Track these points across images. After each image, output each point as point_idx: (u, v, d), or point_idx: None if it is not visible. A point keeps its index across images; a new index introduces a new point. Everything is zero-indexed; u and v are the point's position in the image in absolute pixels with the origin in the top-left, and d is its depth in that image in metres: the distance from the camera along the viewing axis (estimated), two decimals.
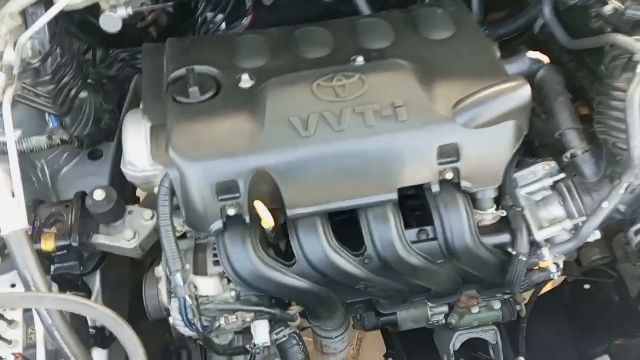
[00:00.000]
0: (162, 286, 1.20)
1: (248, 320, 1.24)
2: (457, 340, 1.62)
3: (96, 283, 1.40)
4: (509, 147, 1.18)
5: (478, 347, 1.68)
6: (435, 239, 1.20)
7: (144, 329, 1.61)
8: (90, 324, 1.33)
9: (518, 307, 1.57)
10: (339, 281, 1.19)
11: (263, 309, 1.22)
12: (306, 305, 1.30)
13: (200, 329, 1.15)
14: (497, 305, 1.53)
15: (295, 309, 1.30)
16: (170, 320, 1.24)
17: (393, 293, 1.27)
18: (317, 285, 1.19)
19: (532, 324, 1.84)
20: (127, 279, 1.60)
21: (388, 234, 1.16)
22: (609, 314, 1.83)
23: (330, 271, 1.17)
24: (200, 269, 1.21)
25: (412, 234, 1.21)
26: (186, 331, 1.20)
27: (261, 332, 1.24)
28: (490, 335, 1.62)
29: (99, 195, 1.20)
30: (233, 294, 1.20)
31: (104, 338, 1.34)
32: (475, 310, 1.52)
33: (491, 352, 1.68)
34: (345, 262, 1.16)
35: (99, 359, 1.34)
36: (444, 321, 1.53)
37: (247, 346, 1.29)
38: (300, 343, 1.44)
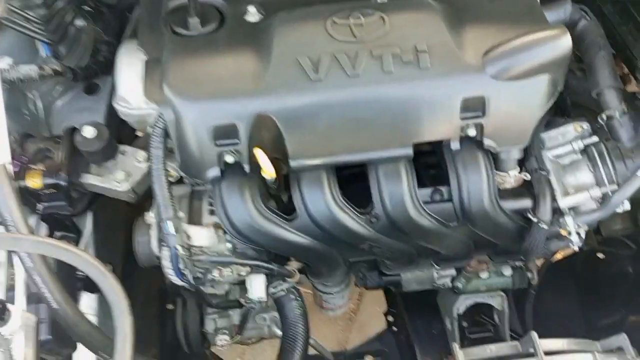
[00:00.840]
0: (153, 233, 1.13)
1: (243, 273, 1.16)
2: (462, 304, 1.56)
3: (87, 225, 1.34)
4: (540, 103, 1.06)
5: (483, 312, 1.61)
6: (449, 200, 1.11)
7: (142, 272, 1.56)
8: None
9: (529, 275, 1.49)
10: (342, 239, 1.10)
11: (259, 263, 1.14)
12: (306, 262, 1.22)
13: (191, 281, 1.08)
14: (507, 271, 1.45)
15: (294, 265, 1.22)
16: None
17: (399, 254, 1.19)
18: (318, 242, 1.11)
19: (540, 292, 1.76)
20: (123, 223, 1.53)
21: (399, 192, 1.07)
22: (622, 286, 1.75)
23: (334, 228, 1.08)
24: (194, 218, 1.13)
25: (424, 193, 1.12)
26: (177, 281, 1.13)
27: (257, 287, 1.17)
28: (497, 301, 1.55)
29: (89, 132, 1.11)
30: (228, 246, 1.12)
31: (94, 282, 1.28)
32: (484, 275, 1.45)
33: (496, 318, 1.61)
34: (350, 219, 1.07)
35: (87, 304, 1.29)
36: (449, 284, 1.46)
37: (242, 300, 1.22)
38: (299, 298, 1.37)
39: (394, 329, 1.83)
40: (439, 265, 1.36)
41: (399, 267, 1.33)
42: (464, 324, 1.63)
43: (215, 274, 1.13)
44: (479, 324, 1.60)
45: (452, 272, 1.43)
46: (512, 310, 1.62)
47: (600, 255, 1.83)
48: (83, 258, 0.90)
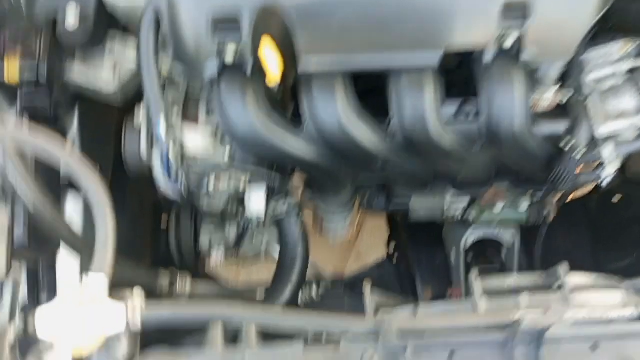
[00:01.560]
0: (143, 136, 1.02)
1: (241, 184, 1.06)
2: (471, 236, 1.48)
3: (73, 126, 1.22)
4: (592, 11, 0.92)
5: (490, 247, 1.54)
6: (476, 118, 0.99)
7: (134, 186, 1.47)
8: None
9: (545, 211, 1.39)
10: (354, 155, 1.00)
11: (260, 169, 1.03)
12: (310, 176, 1.12)
13: (185, 188, 0.99)
14: (523, 205, 1.36)
15: (297, 181, 1.13)
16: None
17: (413, 177, 1.09)
18: (327, 157, 1.00)
19: (550, 231, 1.69)
20: (114, 133, 1.42)
21: (421, 105, 0.95)
22: (636, 231, 1.67)
23: (345, 142, 0.97)
24: (190, 119, 1.02)
25: (449, 111, 1.00)
26: (169, 191, 1.03)
27: (256, 201, 1.08)
28: (508, 235, 1.47)
29: (72, 11, 0.97)
30: (226, 151, 1.01)
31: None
32: (498, 207, 1.35)
33: (503, 255, 1.54)
34: (364, 133, 0.96)
35: (74, 205, 1.20)
36: (460, 215, 1.37)
37: (239, 217, 1.13)
38: (300, 219, 1.29)
39: (395, 258, 1.77)
40: (455, 190, 1.25)
41: (410, 191, 1.23)
42: (468, 259, 1.56)
43: (211, 184, 1.03)
44: (485, 260, 1.53)
45: (465, 201, 1.34)
46: (520, 246, 1.54)
47: (615, 199, 1.74)
48: (63, 151, 0.80)
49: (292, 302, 1.25)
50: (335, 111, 0.95)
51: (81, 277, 0.75)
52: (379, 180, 1.15)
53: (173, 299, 1.16)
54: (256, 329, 0.83)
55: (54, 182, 1.15)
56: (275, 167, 1.07)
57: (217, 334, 0.81)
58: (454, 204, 1.33)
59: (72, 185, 1.23)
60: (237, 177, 1.03)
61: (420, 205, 1.32)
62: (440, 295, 1.66)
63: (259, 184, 1.06)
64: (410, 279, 1.69)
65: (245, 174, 1.04)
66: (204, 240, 1.47)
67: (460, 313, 0.91)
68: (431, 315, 0.93)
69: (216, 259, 1.42)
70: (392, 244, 1.80)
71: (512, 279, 0.93)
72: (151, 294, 1.53)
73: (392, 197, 1.30)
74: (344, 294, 1.71)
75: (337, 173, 1.05)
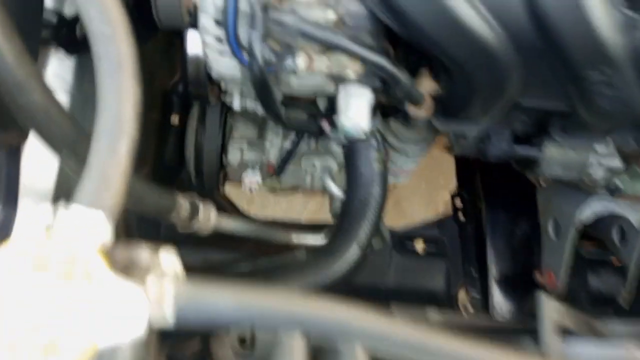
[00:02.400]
0: None
1: (349, 71, 0.64)
2: (590, 209, 1.10)
3: None
4: None
5: (606, 227, 1.16)
6: None
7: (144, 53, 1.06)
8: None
9: None
10: (568, 46, 0.57)
11: (384, 61, 0.61)
12: (466, 82, 0.69)
13: (260, 61, 0.57)
14: None
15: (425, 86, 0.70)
16: (194, 41, 0.65)
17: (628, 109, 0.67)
18: (516, 44, 0.58)
19: None
20: None
21: None
22: None
23: (564, 23, 0.55)
24: None
25: None
26: (225, 65, 0.61)
27: (358, 109, 0.66)
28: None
29: None
30: (331, 15, 0.59)
31: (72, 38, 0.76)
32: None
33: (616, 238, 1.17)
34: (602, 14, 0.54)
35: (59, 68, 0.79)
36: (602, 180, 0.98)
37: (324, 126, 0.72)
38: (381, 147, 0.89)
39: (461, 217, 1.39)
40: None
41: (562, 133, 0.83)
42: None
43: (301, 60, 0.61)
44: (596, 244, 1.17)
45: (616, 162, 0.94)
46: None
47: None
48: None
49: (360, 264, 0.87)
50: None
51: (58, 210, 0.35)
52: (564, 106, 0.72)
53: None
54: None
55: (31, 33, 0.73)
56: (403, 58, 0.65)
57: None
58: (600, 163, 0.93)
59: (60, 42, 0.81)
60: (340, 63, 0.61)
61: (557, 158, 0.92)
62: (515, 275, 1.31)
63: (370, 80, 0.64)
64: (479, 247, 1.33)
65: (353, 66, 0.61)
66: (233, 155, 1.06)
67: None
68: None
69: (249, 183, 1.02)
70: (460, 198, 1.41)
71: None
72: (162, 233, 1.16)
73: (521, 141, 0.89)
74: (390, 251, 1.35)
75: (513, 79, 0.63)
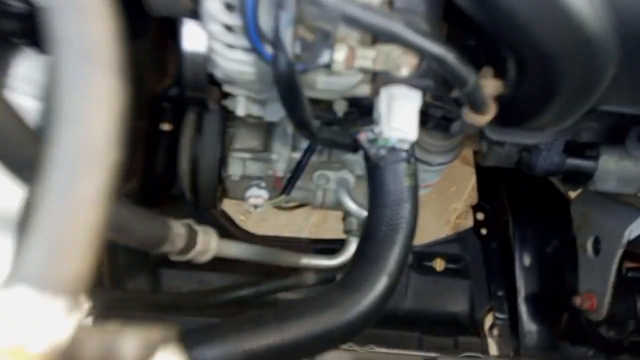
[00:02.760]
0: None
1: (386, 73, 0.50)
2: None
3: None
4: None
5: None
6: None
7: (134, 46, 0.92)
8: None
9: None
10: None
11: (450, 55, 0.47)
12: (548, 83, 0.54)
13: (290, 55, 0.42)
14: None
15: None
16: (193, 35, 0.51)
17: None
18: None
19: None
20: None
21: None
22: None
23: None
24: None
25: None
26: (235, 61, 0.47)
27: (404, 113, 0.52)
28: None
29: None
30: None
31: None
32: None
33: None
34: None
35: (28, 69, 0.65)
36: None
37: (363, 137, 0.56)
38: (412, 158, 0.75)
39: (483, 231, 1.26)
40: None
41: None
42: None
43: (341, 53, 0.46)
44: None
45: None
46: None
47: None
48: None
49: (388, 296, 0.73)
50: None
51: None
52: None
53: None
54: None
55: None
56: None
57: None
58: None
59: (30, 37, 0.68)
60: (390, 58, 0.47)
61: (614, 170, 0.79)
62: (546, 296, 1.19)
63: (423, 79, 0.50)
64: (505, 265, 1.20)
65: (415, 50, 0.47)
66: (234, 168, 0.92)
67: None
68: None
69: (254, 201, 0.88)
70: (483, 212, 1.28)
71: None
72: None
73: (581, 151, 0.76)
74: (407, 271, 1.22)
75: (600, 82, 0.50)
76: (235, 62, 0.51)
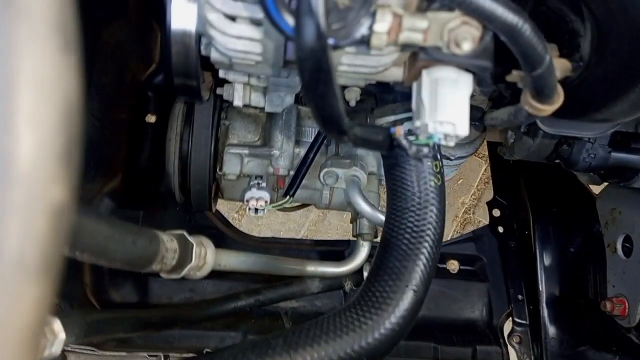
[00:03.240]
0: None
1: (439, 48, 0.39)
2: None
3: None
4: None
5: None
6: None
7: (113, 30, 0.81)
8: None
9: None
10: None
11: (527, 25, 0.36)
12: (635, 63, 0.44)
13: (323, 24, 0.31)
14: None
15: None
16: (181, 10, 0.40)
17: None
18: None
19: None
20: None
21: None
22: None
23: None
24: None
25: None
26: (239, 37, 0.36)
27: (456, 105, 0.41)
28: None
29: None
30: None
31: None
32: None
33: None
34: None
35: None
36: None
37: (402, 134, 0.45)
38: (439, 155, 0.65)
39: (500, 229, 1.16)
40: None
41: None
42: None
43: (384, 23, 0.35)
44: None
45: None
46: None
47: None
48: None
49: (414, 315, 0.63)
50: None
51: None
52: None
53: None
54: None
55: None
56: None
57: None
58: None
59: None
60: (443, 29, 0.36)
61: None
62: (569, 299, 1.09)
63: (481, 59, 0.39)
64: (525, 265, 1.11)
65: (481, 19, 0.36)
66: (230, 166, 0.82)
67: None
68: None
69: (255, 204, 0.77)
70: (499, 209, 1.18)
71: None
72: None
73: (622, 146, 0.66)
74: None
75: None
76: (237, 38, 0.40)
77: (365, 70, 0.42)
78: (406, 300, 0.62)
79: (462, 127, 0.41)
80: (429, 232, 0.65)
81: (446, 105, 0.40)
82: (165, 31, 0.54)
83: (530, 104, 0.41)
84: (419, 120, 0.41)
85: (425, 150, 0.43)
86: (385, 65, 0.42)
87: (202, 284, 1.05)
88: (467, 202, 1.54)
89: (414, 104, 0.43)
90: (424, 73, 0.41)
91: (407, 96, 0.61)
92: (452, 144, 0.42)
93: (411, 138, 0.43)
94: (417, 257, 0.63)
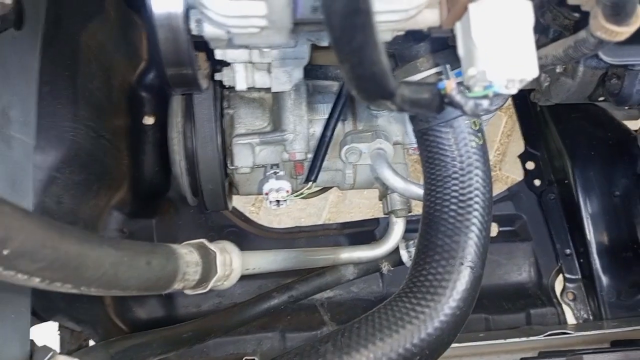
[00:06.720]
0: None
1: None
2: None
3: None
4: None
5: None
6: None
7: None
8: None
9: None
10: None
11: None
12: None
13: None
14: None
15: None
16: None
17: None
18: None
19: None
20: None
21: None
22: None
23: None
24: None
25: None
26: (240, 5, 0.29)
27: (519, 44, 0.33)
28: None
29: None
30: None
31: None
32: None
33: None
34: None
35: None
36: None
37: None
38: (478, 121, 0.58)
39: (537, 182, 1.08)
40: None
41: None
42: None
43: None
44: None
45: None
46: None
47: None
48: None
49: (474, 294, 0.56)
50: None
51: None
52: None
53: None
54: None
55: None
56: None
57: None
58: None
59: None
60: None
61: None
62: (619, 244, 1.01)
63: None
64: (570, 217, 1.03)
65: None
66: (240, 158, 0.74)
67: None
68: None
69: (276, 196, 0.69)
70: (532, 162, 1.09)
71: None
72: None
73: None
74: None
75: None
76: (235, 5, 0.32)
77: (395, 18, 0.34)
78: (463, 280, 0.55)
79: (529, 67, 0.33)
80: (477, 199, 0.57)
81: (507, 43, 0.32)
82: (148, 17, 0.46)
83: (604, 28, 0.33)
84: (473, 67, 0.33)
85: (485, 103, 0.35)
86: (418, 6, 0.34)
87: (229, 287, 0.99)
88: (491, 158, 1.45)
89: (461, 49, 0.35)
90: (471, 7, 0.32)
91: (433, 47, 0.53)
92: (514, 91, 0.34)
93: (474, 92, 0.35)
94: (468, 230, 0.56)
